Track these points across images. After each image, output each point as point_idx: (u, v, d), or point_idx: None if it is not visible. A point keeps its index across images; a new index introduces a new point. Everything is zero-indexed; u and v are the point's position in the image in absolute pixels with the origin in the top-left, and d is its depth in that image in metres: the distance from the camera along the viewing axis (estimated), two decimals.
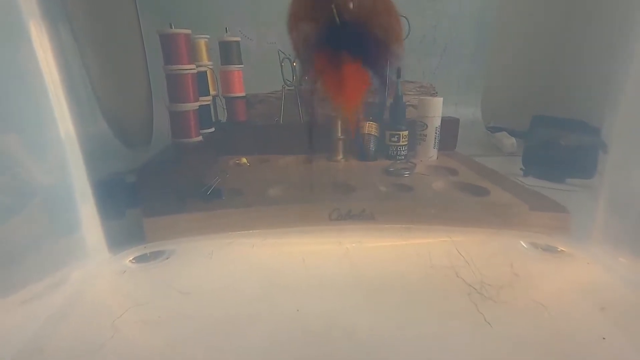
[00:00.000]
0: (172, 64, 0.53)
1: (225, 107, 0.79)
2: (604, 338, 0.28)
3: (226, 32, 0.75)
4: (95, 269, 0.39)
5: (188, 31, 0.54)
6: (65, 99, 0.42)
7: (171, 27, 0.52)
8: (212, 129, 0.69)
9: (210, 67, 0.74)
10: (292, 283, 0.35)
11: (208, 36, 0.75)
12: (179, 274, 0.38)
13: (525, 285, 0.35)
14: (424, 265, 0.37)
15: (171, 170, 0.47)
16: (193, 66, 0.56)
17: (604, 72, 0.72)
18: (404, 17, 0.79)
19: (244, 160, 0.72)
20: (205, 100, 0.65)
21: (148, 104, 1.00)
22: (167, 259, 0.39)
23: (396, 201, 0.50)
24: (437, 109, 0.69)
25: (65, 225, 0.41)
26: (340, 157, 0.73)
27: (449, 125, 0.77)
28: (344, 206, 0.47)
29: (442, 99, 0.69)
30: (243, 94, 0.78)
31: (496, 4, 1.10)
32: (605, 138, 0.56)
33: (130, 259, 0.40)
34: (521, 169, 0.69)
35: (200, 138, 0.60)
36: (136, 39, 0.93)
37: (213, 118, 0.78)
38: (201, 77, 0.64)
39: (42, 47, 0.39)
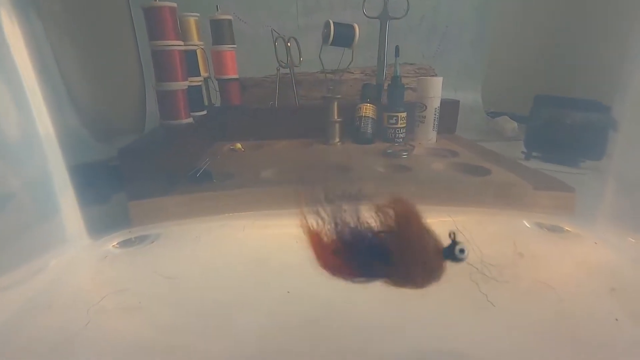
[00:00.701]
0: (157, 39, 0.50)
1: (218, 90, 0.76)
2: (616, 319, 0.27)
3: (217, 10, 0.72)
4: (75, 255, 0.37)
5: (173, 4, 0.51)
6: (40, 87, 0.40)
7: (155, 0, 0.49)
8: (204, 112, 0.66)
9: (201, 46, 0.71)
10: (283, 265, 0.33)
11: (198, 14, 0.71)
12: (164, 259, 0.36)
13: (529, 265, 0.33)
14: None
15: (159, 153, 0.45)
16: (180, 42, 0.53)
17: (613, 47, 0.70)
18: None
19: (239, 145, 0.70)
20: (196, 80, 0.63)
21: (138, 87, 0.97)
22: (152, 243, 0.37)
23: (394, 182, 0.48)
24: (436, 89, 0.66)
25: (44, 212, 0.39)
26: (337, 140, 0.71)
27: (449, 107, 0.75)
28: (339, 187, 0.45)
29: (441, 78, 0.67)
30: (236, 76, 0.75)
31: None
32: (615, 116, 0.53)
33: (114, 244, 0.38)
34: (523, 152, 0.67)
35: (190, 120, 0.57)
36: (123, 18, 0.90)
37: (206, 101, 0.76)
38: (190, 55, 0.61)
39: (14, 37, 0.37)
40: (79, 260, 0.36)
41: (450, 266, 0.32)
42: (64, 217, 0.39)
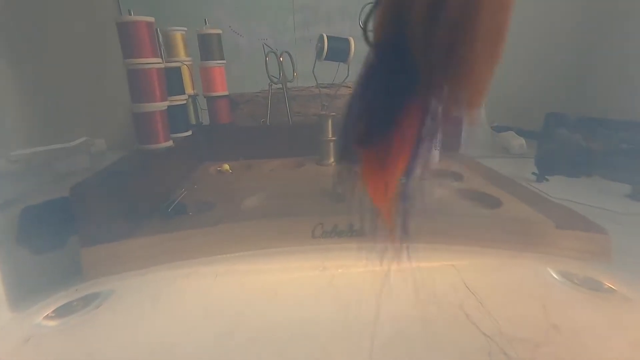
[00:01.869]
0: (133, 57, 0.46)
1: (206, 108, 0.72)
2: None
3: (205, 24, 0.68)
4: None
5: (151, 19, 0.47)
6: None
7: (130, 14, 0.45)
8: (189, 132, 0.62)
9: (187, 63, 0.68)
10: (258, 330, 0.28)
11: (185, 29, 0.68)
12: (107, 334, 0.28)
13: (570, 345, 0.25)
14: (424, 301, 0.29)
15: (126, 184, 0.40)
16: (158, 59, 0.49)
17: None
18: None
19: (226, 166, 0.65)
20: (179, 99, 0.58)
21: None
22: (97, 308, 0.30)
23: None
24: None
25: None
26: (331, 160, 0.66)
27: (451, 125, 0.70)
28: (329, 221, 0.40)
29: None
30: (225, 93, 0.71)
31: None
32: None
33: (49, 312, 0.30)
34: (534, 173, 0.62)
35: (170, 143, 0.53)
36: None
37: (193, 120, 0.72)
38: (172, 73, 0.57)
39: None
40: None
41: (461, 337, 0.25)
42: None
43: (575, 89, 0.92)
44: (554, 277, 0.33)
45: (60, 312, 0.30)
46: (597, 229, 0.37)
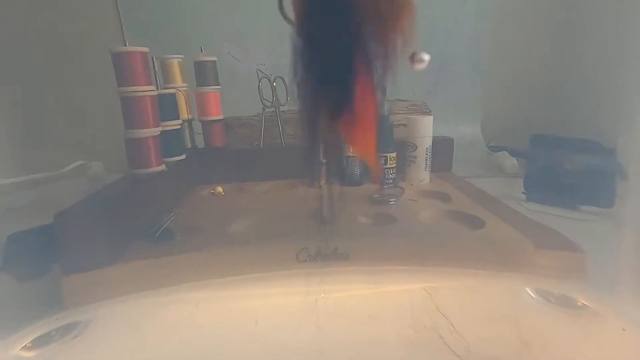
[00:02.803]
0: (126, 85, 0.48)
1: (200, 132, 0.74)
2: None
3: (201, 51, 0.71)
4: None
5: (145, 49, 0.49)
6: None
7: (125, 44, 0.48)
8: (183, 156, 0.63)
9: (184, 89, 0.70)
10: (238, 357, 0.28)
11: (182, 56, 0.71)
12: None
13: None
14: (404, 326, 0.29)
15: (114, 209, 0.40)
16: (152, 88, 0.51)
17: (616, 83, 0.66)
18: None
19: (219, 189, 0.66)
20: (173, 124, 0.60)
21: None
22: (75, 337, 0.30)
23: (376, 237, 0.43)
24: (427, 128, 0.63)
25: None
26: (322, 182, 0.67)
27: (443, 146, 0.71)
28: (313, 244, 0.41)
29: (431, 117, 0.63)
30: (220, 117, 0.73)
31: (492, 17, 1.05)
32: (622, 160, 0.48)
33: (27, 342, 0.30)
34: (523, 192, 0.62)
35: (162, 167, 0.54)
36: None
37: (189, 144, 0.73)
38: (167, 99, 0.59)
39: None
40: None
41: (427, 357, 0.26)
42: None
43: (571, 108, 0.93)
44: (530, 296, 0.33)
45: (38, 343, 0.30)
46: (574, 248, 0.37)
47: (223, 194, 0.66)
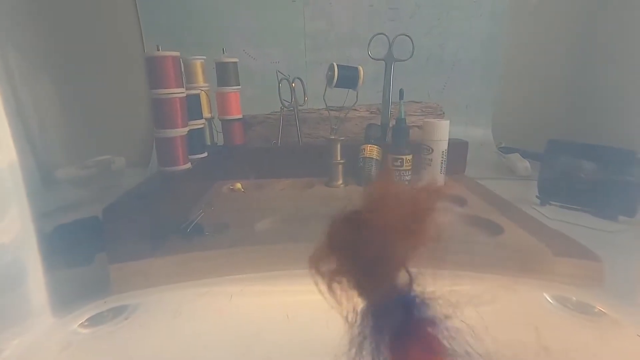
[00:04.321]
0: (159, 88, 0.50)
1: (221, 131, 0.76)
2: None
3: (223, 52, 0.73)
4: (36, 340, 0.32)
5: (176, 53, 0.51)
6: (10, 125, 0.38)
7: (158, 50, 0.50)
8: (205, 154, 0.65)
9: (205, 88, 0.72)
10: (271, 351, 0.30)
11: (204, 57, 0.72)
12: (134, 343, 0.31)
13: None
14: None
15: (150, 205, 0.43)
16: (182, 90, 0.53)
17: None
18: (407, 36, 0.76)
19: (239, 185, 0.69)
20: (197, 123, 0.62)
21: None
22: (126, 319, 0.33)
23: None
24: (443, 132, 0.64)
25: (8, 281, 0.35)
26: (339, 182, 0.69)
27: (457, 149, 0.72)
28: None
29: (448, 121, 0.65)
30: (239, 116, 0.75)
31: (506, 21, 1.06)
32: None
33: (83, 320, 0.34)
34: (537, 196, 0.64)
35: (188, 165, 0.56)
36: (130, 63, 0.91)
37: (208, 141, 0.75)
38: (193, 100, 0.61)
39: None
40: (40, 347, 0.31)
41: None
42: (30, 286, 0.36)
43: (590, 114, 0.93)
44: (549, 301, 0.35)
45: (93, 321, 0.34)
46: (592, 256, 0.39)
47: (242, 190, 0.68)
